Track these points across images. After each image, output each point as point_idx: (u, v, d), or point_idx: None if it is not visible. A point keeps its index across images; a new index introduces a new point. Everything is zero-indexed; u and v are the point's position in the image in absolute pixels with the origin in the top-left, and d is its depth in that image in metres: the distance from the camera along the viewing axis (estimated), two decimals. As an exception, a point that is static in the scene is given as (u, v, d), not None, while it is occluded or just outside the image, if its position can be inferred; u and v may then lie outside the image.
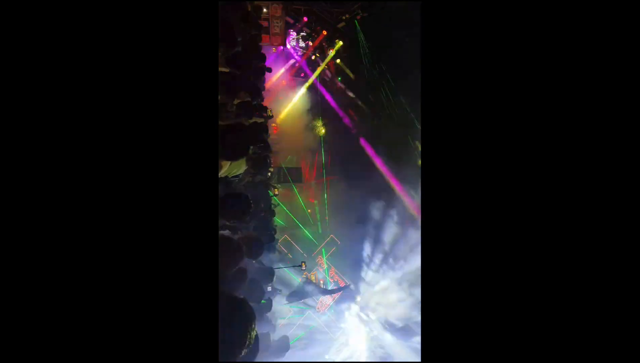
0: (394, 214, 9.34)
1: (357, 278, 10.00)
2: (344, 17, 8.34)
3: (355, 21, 8.34)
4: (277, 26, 8.03)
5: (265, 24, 7.71)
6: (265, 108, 5.71)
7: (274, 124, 9.36)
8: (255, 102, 4.66)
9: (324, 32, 8.60)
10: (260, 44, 6.19)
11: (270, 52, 8.61)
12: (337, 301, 10.00)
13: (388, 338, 9.46)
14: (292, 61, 9.52)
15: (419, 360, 1.40)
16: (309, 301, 9.47)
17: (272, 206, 6.54)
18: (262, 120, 5.31)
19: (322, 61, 9.48)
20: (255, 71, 4.99)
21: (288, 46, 9.20)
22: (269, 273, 2.72)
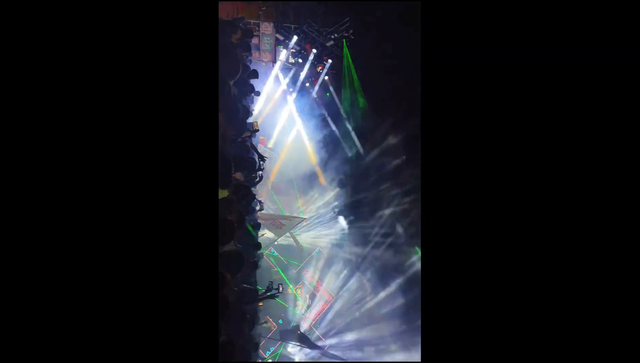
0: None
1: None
2: (332, 37, 8.55)
3: (344, 41, 8.55)
4: (268, 43, 8.20)
5: (255, 40, 7.85)
6: (252, 124, 5.77)
7: (262, 137, 9.37)
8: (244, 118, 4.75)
9: (314, 50, 8.77)
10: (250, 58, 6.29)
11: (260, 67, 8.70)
12: None
13: None
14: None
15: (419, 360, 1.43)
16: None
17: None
18: (249, 134, 5.41)
19: (312, 77, 9.61)
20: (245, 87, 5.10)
21: (278, 62, 9.31)
22: (252, 298, 2.68)
